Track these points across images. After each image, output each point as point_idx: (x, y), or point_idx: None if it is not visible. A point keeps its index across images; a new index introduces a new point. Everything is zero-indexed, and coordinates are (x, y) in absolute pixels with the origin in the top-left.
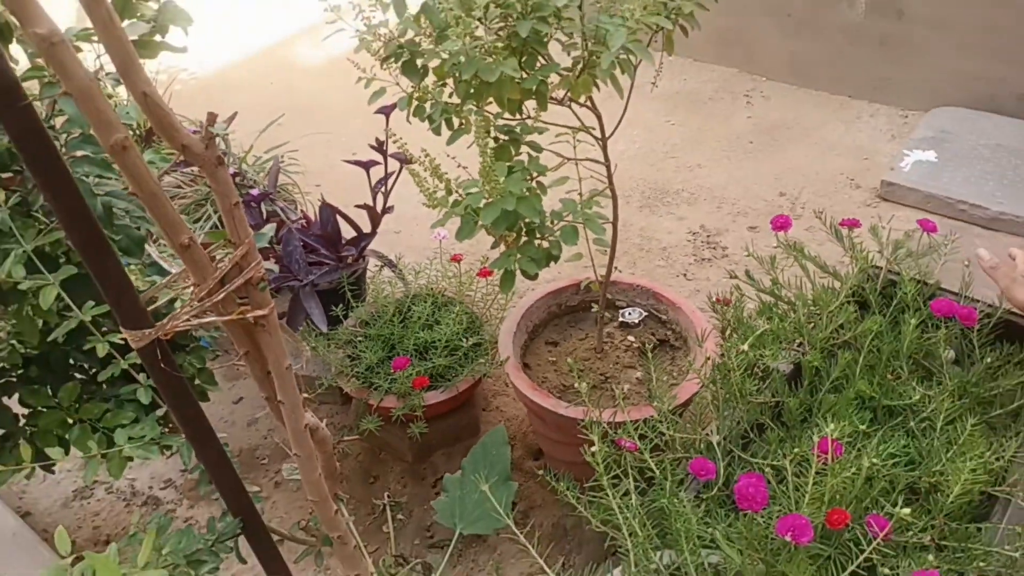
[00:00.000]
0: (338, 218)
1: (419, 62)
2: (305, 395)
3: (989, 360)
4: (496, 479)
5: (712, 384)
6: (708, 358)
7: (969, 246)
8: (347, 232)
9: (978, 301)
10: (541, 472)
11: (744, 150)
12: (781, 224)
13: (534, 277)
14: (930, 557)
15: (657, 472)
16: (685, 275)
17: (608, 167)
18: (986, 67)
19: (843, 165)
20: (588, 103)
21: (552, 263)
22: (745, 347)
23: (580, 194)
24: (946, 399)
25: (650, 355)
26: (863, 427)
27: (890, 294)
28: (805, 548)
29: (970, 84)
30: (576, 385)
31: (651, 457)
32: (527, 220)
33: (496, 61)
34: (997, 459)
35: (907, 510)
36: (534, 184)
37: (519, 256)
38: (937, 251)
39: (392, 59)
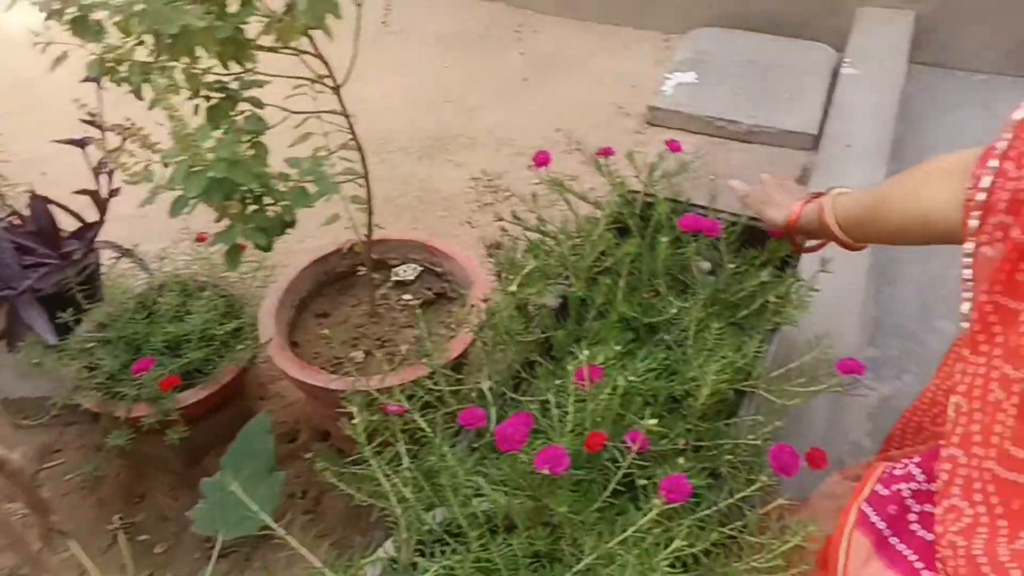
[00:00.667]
0: (57, 210)
1: (92, 17)
2: (27, 421)
3: (733, 266)
4: (258, 474)
5: (483, 330)
6: (473, 305)
7: (727, 161)
8: (74, 225)
9: (724, 212)
10: (308, 456)
11: (519, 88)
12: (541, 161)
13: (268, 248)
14: (680, 460)
15: (428, 431)
16: (469, 223)
17: (347, 117)
18: None
19: (613, 94)
20: (312, 50)
21: (289, 230)
22: (513, 288)
23: (328, 150)
24: (697, 309)
25: (423, 312)
26: (621, 348)
27: (648, 216)
28: (566, 477)
29: (722, 4)
30: (350, 356)
31: (421, 417)
32: (246, 187)
33: (178, 8)
34: (742, 357)
35: (653, 421)
36: (253, 145)
37: (245, 227)
38: (687, 169)
39: (58, 16)
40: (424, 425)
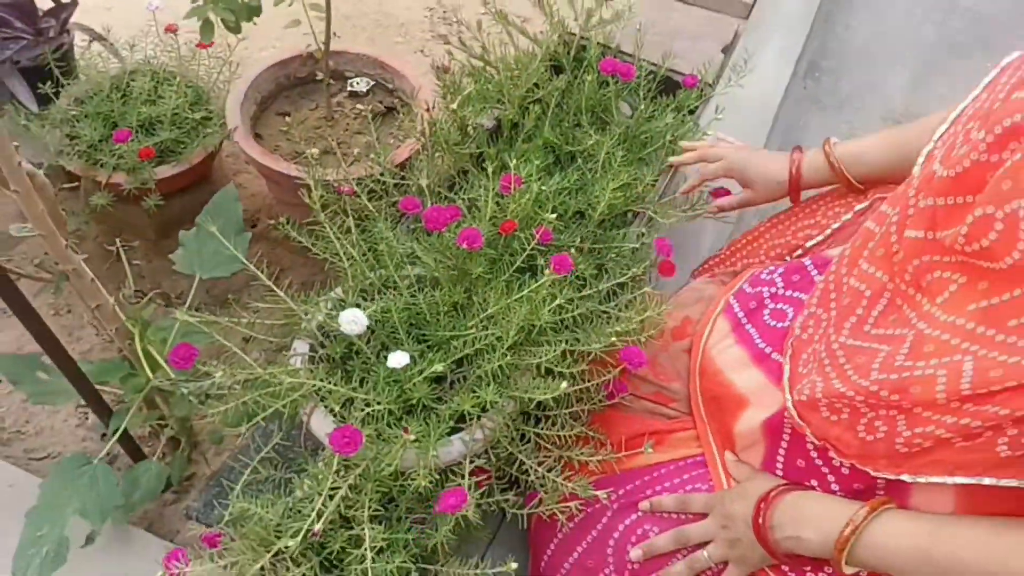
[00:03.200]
0: None
1: None
2: None
3: (645, 108)
4: (229, 231)
5: (424, 139)
6: (417, 115)
7: (667, 20)
8: (46, 5)
9: (645, 61)
10: (273, 223)
11: None
12: None
13: (237, 30)
14: (572, 251)
15: (374, 211)
16: (423, 51)
17: None
18: None
19: None
20: None
21: (255, 17)
22: (454, 106)
23: None
24: (610, 142)
25: (374, 121)
26: (541, 165)
27: (582, 58)
28: (480, 252)
29: None
30: (308, 151)
31: (369, 202)
32: None
33: None
34: (639, 183)
35: (553, 216)
36: None
37: (216, 5)
38: (620, 18)
39: None
40: (370, 207)
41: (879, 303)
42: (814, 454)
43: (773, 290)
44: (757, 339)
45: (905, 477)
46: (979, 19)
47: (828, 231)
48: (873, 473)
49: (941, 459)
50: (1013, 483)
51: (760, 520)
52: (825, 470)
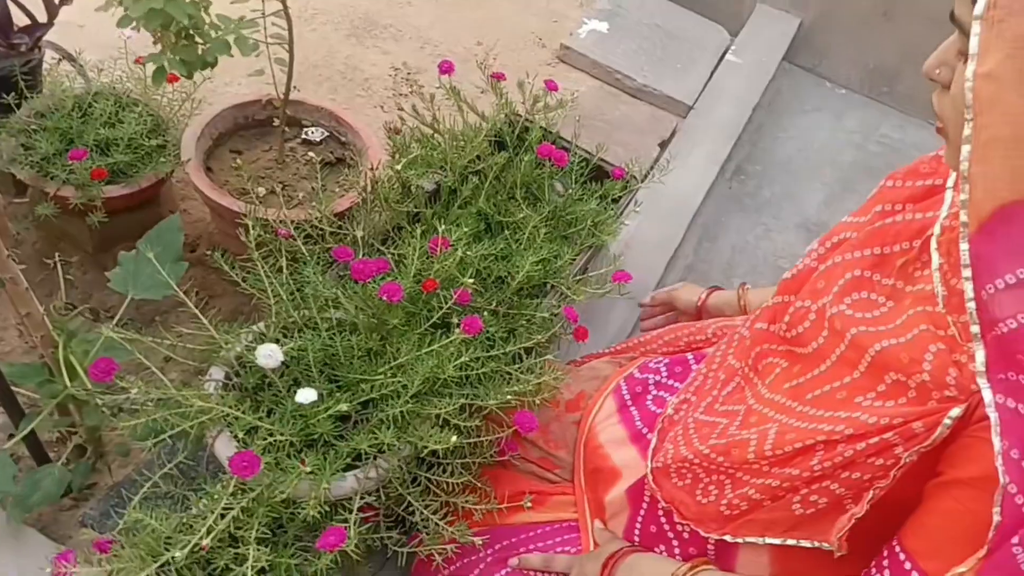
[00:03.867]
0: (9, 3)
1: None
2: None
3: (575, 192)
4: (166, 258)
5: (366, 193)
6: (365, 171)
7: (614, 110)
8: (22, 21)
9: (581, 149)
10: (210, 253)
11: None
12: (445, 69)
13: (189, 76)
14: (486, 314)
15: (306, 254)
16: (382, 107)
17: None
18: None
19: (536, 25)
20: None
21: (209, 69)
22: (399, 167)
23: (263, 14)
24: (538, 218)
25: (323, 170)
26: (470, 231)
27: (524, 138)
28: (399, 305)
29: None
30: (255, 189)
31: (304, 245)
32: (181, 23)
33: None
34: (556, 258)
35: (472, 280)
36: None
37: (172, 55)
38: (564, 107)
39: None
40: (304, 250)
41: (729, 386)
42: (663, 519)
43: (658, 378)
44: (637, 420)
45: (727, 537)
46: (894, 147)
47: (709, 332)
48: (704, 534)
49: (755, 519)
50: (806, 543)
51: None
52: (671, 535)
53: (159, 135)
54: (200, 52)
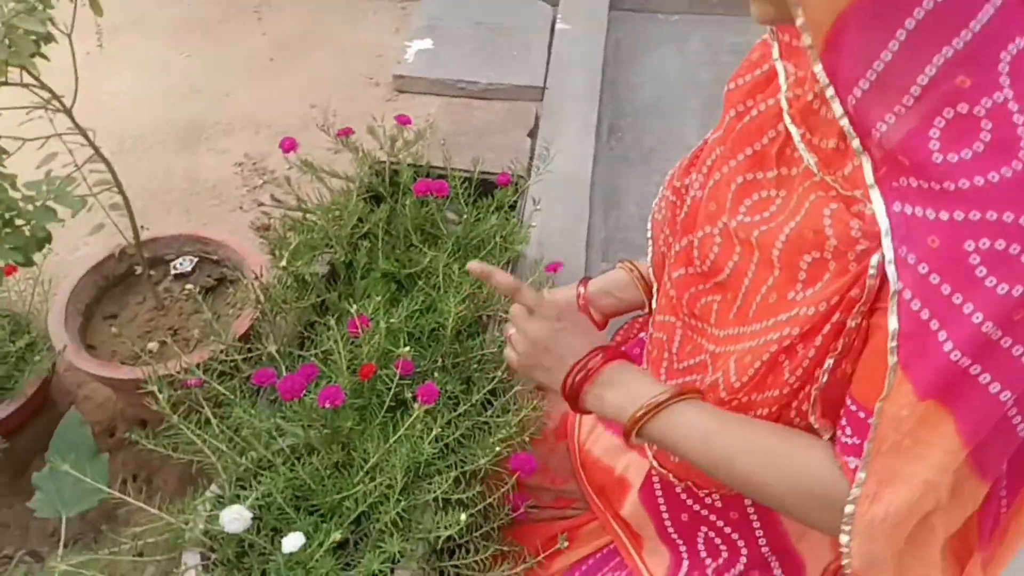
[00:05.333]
0: None
1: None
2: None
3: (471, 215)
4: (83, 460)
5: (262, 304)
6: (251, 282)
7: (471, 119)
8: None
9: (458, 170)
10: (128, 434)
11: (268, 69)
12: (288, 147)
13: (30, 264)
14: (436, 374)
15: (228, 394)
16: (241, 207)
17: (84, 134)
18: None
19: (361, 65)
20: (33, 81)
21: (46, 245)
22: (283, 263)
23: (76, 166)
24: (444, 257)
25: (207, 297)
26: (384, 298)
27: (398, 182)
28: (349, 405)
29: None
30: (146, 348)
31: (221, 385)
32: None
33: None
34: (480, 288)
35: (407, 349)
36: None
37: (2, 248)
38: (424, 137)
39: None
40: (223, 390)
41: (675, 341)
42: (688, 501)
43: None
44: None
45: None
46: (743, 52)
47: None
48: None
49: None
50: None
51: (586, 366)
52: (704, 512)
53: (23, 334)
54: (28, 232)
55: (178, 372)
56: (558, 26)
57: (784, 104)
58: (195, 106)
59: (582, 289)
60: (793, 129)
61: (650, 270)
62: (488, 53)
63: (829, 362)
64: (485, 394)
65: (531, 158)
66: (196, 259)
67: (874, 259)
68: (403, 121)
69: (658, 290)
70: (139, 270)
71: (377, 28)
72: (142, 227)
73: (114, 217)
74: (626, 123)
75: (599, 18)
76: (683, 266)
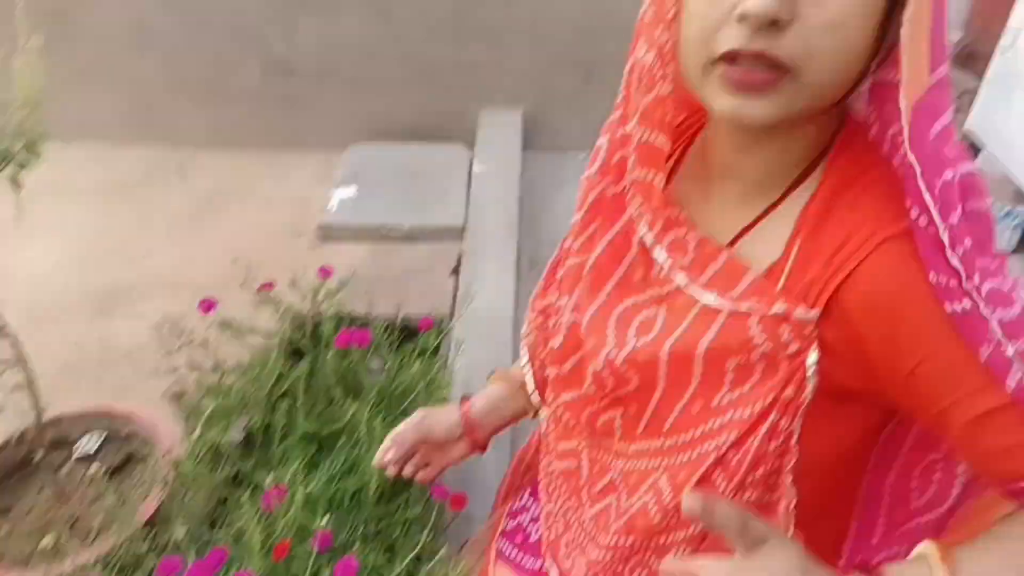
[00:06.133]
0: None
1: None
2: None
3: (393, 363)
4: None
5: (171, 482)
6: (160, 460)
7: (399, 263)
8: None
9: (380, 317)
10: None
11: (188, 226)
12: (207, 307)
13: None
14: (356, 544)
15: None
16: (157, 373)
17: None
18: (373, 106)
19: (285, 217)
20: None
21: None
22: (196, 434)
23: None
24: (366, 410)
25: (113, 478)
26: (303, 462)
27: (320, 334)
28: None
29: (370, 120)
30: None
31: None
32: None
33: None
34: None
35: (324, 522)
36: None
37: None
38: (347, 285)
39: None
40: None
41: (583, 466)
42: None
43: (531, 515)
44: (536, 563)
45: None
46: None
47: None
48: None
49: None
50: None
51: None
52: None
53: None
54: None
55: (73, 571)
56: (475, 169)
57: (642, 229)
58: (112, 270)
59: (466, 408)
60: (660, 253)
61: (527, 376)
62: (410, 197)
63: (790, 476)
64: (410, 562)
65: (454, 297)
66: (103, 436)
67: (811, 358)
68: (325, 273)
69: (549, 416)
70: (40, 455)
71: (302, 179)
72: (44, 408)
73: (16, 399)
74: (546, 254)
75: (513, 159)
76: (574, 390)
